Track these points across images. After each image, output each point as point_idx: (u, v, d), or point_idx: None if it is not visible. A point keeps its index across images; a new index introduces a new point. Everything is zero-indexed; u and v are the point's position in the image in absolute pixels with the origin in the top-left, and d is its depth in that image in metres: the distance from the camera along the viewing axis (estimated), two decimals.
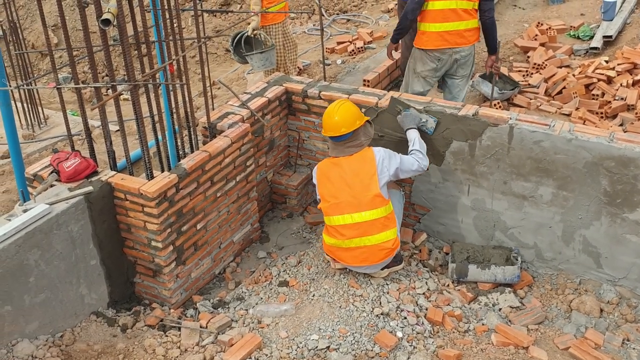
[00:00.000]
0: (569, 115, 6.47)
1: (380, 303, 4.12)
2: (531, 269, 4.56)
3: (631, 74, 6.85)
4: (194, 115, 4.53)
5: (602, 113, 6.47)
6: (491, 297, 4.33)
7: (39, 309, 3.77)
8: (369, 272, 4.30)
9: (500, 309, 4.23)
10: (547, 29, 8.14)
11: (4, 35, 6.84)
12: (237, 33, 6.91)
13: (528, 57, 7.65)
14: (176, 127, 4.55)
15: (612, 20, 8.12)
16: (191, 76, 9.03)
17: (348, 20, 10.26)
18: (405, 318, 4.02)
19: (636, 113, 6.31)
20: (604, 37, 7.79)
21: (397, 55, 6.82)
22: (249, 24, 6.91)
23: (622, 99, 6.48)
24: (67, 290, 3.92)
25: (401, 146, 4.64)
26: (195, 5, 4.40)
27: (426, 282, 4.39)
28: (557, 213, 4.33)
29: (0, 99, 4.66)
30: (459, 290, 4.40)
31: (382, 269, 4.29)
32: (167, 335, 3.96)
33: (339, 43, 8.85)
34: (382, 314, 4.02)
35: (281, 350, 3.78)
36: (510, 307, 4.23)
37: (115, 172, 4.12)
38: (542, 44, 7.78)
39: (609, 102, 6.53)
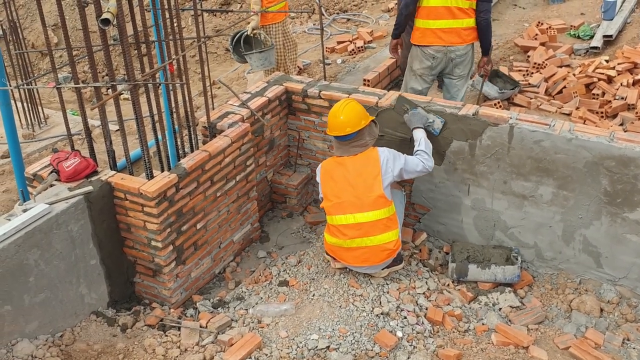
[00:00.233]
0: (569, 114, 6.47)
1: (380, 303, 4.12)
2: (531, 268, 4.56)
3: (631, 74, 6.84)
4: (193, 115, 4.53)
5: (602, 112, 6.46)
6: (491, 296, 4.33)
7: (39, 309, 3.77)
8: (370, 272, 4.30)
9: (500, 309, 4.23)
10: (547, 29, 8.13)
11: (4, 35, 6.84)
12: (236, 32, 6.90)
13: (528, 56, 7.64)
14: (176, 126, 4.55)
15: (612, 19, 8.12)
16: (191, 76, 9.03)
17: (348, 19, 10.26)
18: (405, 318, 4.02)
19: (636, 112, 6.30)
20: (604, 36, 7.78)
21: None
22: (249, 23, 6.90)
23: (622, 98, 6.48)
24: (67, 290, 3.92)
25: (402, 146, 4.64)
26: (195, 5, 4.39)
27: (426, 282, 4.39)
28: (557, 213, 4.33)
29: (0, 99, 4.66)
30: (459, 289, 4.40)
31: (382, 269, 4.29)
32: (167, 335, 3.96)
33: (339, 42, 8.85)
34: (382, 313, 4.02)
35: (281, 350, 3.78)
36: (511, 306, 4.23)
37: (115, 172, 4.12)
38: (543, 44, 7.77)
39: (609, 101, 6.53)
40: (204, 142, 4.53)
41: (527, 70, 7.31)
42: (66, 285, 3.90)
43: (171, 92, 4.39)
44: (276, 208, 5.33)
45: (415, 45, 5.62)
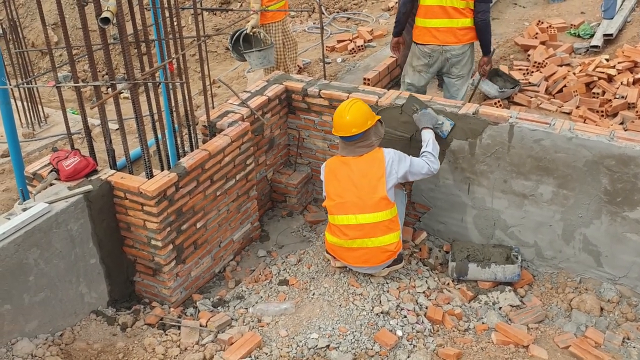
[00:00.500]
0: (569, 113, 6.46)
1: (380, 302, 4.12)
2: (531, 267, 4.56)
3: (632, 73, 6.84)
4: (193, 114, 4.53)
5: (602, 111, 6.46)
6: (491, 295, 4.33)
7: (39, 308, 3.77)
8: (370, 272, 4.30)
9: (500, 308, 4.23)
10: (547, 28, 8.13)
11: (4, 34, 6.84)
12: (236, 31, 6.90)
13: (528, 55, 7.64)
14: (176, 125, 4.55)
15: (612, 18, 8.11)
16: (191, 75, 9.03)
17: (348, 18, 10.26)
18: (405, 317, 4.01)
19: (637, 111, 6.30)
20: (605, 35, 7.78)
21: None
22: (248, 22, 6.90)
23: (622, 97, 6.47)
24: (67, 289, 3.92)
25: (401, 145, 4.64)
26: (194, 4, 4.39)
27: (426, 281, 4.39)
28: (557, 212, 4.32)
29: (0, 98, 4.66)
30: (459, 288, 4.40)
31: (382, 269, 4.28)
32: (166, 334, 3.96)
33: (339, 41, 8.85)
34: (382, 312, 4.02)
35: (281, 349, 3.78)
36: (511, 305, 4.23)
37: (114, 171, 4.12)
38: (543, 43, 7.77)
39: (610, 100, 6.53)
40: (204, 141, 4.53)
41: (527, 69, 7.30)
42: (66, 285, 3.90)
43: (171, 91, 4.39)
44: (276, 207, 5.33)
45: (414, 42, 5.65)
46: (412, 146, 4.62)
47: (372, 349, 3.79)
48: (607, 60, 7.09)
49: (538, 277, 4.49)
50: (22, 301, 3.67)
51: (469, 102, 5.91)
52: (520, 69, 7.34)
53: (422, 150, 4.31)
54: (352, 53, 8.48)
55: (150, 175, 4.09)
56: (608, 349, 3.85)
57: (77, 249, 3.91)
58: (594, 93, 6.67)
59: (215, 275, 4.65)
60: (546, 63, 7.23)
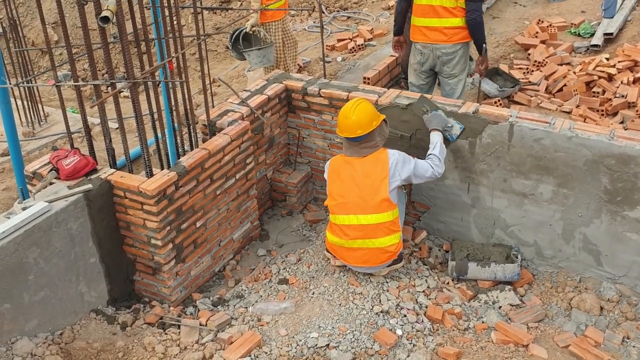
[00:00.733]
0: (569, 112, 6.46)
1: (380, 301, 4.12)
2: (531, 266, 4.56)
3: (632, 72, 6.83)
4: (193, 113, 4.53)
5: (602, 111, 6.46)
6: (491, 295, 4.33)
7: (38, 307, 3.77)
8: (370, 272, 4.30)
9: (500, 307, 4.23)
10: (547, 27, 8.13)
11: (4, 33, 6.83)
12: (236, 29, 6.90)
13: (529, 54, 7.63)
14: (176, 124, 4.55)
15: (612, 17, 8.11)
16: (191, 73, 9.03)
17: (348, 17, 10.25)
18: (405, 316, 4.01)
19: (637, 110, 6.29)
20: (605, 34, 7.78)
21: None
22: (248, 20, 6.90)
23: (622, 96, 6.47)
24: (67, 288, 3.92)
25: (401, 144, 4.64)
26: (194, 2, 4.38)
27: (426, 280, 4.39)
28: (557, 211, 4.32)
29: (0, 97, 4.65)
30: (459, 288, 4.40)
31: (382, 268, 4.29)
32: (166, 333, 3.96)
33: (339, 40, 8.84)
34: (381, 311, 4.02)
35: (281, 348, 3.78)
36: (510, 305, 4.23)
37: (114, 170, 4.12)
38: (543, 42, 7.76)
39: (610, 99, 6.52)
40: (204, 140, 4.52)
41: (527, 68, 7.30)
42: (66, 284, 3.90)
43: (171, 90, 4.39)
44: (276, 206, 5.33)
45: (412, 40, 5.72)
46: (413, 145, 4.62)
47: (371, 348, 3.79)
48: (607, 59, 7.08)
49: (538, 276, 4.49)
50: (22, 300, 3.67)
51: (478, 102, 5.92)
52: (520, 68, 7.34)
53: (429, 152, 4.29)
54: (352, 52, 8.48)
55: (150, 174, 4.09)
56: (608, 348, 3.85)
57: (76, 248, 3.91)
58: (594, 92, 6.66)
59: (215, 274, 4.65)
60: (546, 62, 7.23)
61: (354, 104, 4.17)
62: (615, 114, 6.42)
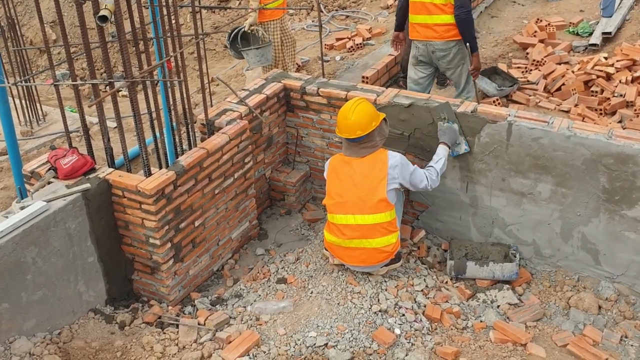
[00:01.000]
0: (568, 112, 6.47)
1: (379, 300, 4.12)
2: (529, 265, 4.56)
3: (630, 71, 6.84)
4: (192, 112, 4.52)
5: (601, 110, 6.46)
6: (489, 294, 4.33)
7: (37, 307, 3.77)
8: (368, 271, 4.30)
9: (498, 306, 4.23)
10: (546, 26, 8.13)
11: (2, 32, 6.82)
12: (234, 28, 6.90)
13: (527, 53, 7.64)
14: (174, 124, 4.54)
15: (611, 16, 8.11)
16: (189, 72, 9.03)
17: (347, 16, 10.25)
18: (404, 315, 4.02)
19: (635, 110, 6.30)
20: (603, 33, 7.78)
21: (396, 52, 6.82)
22: (247, 19, 6.89)
23: (621, 95, 6.47)
24: (65, 287, 3.91)
25: (399, 143, 4.65)
26: (193, 1, 4.38)
27: (424, 279, 4.39)
28: (555, 210, 4.32)
29: None
30: (457, 287, 4.40)
31: (380, 267, 4.28)
32: (165, 333, 3.96)
33: (337, 39, 8.84)
34: (380, 311, 4.02)
35: (279, 347, 3.78)
36: (509, 304, 4.23)
37: (112, 169, 4.11)
38: (541, 41, 7.76)
39: (608, 98, 6.53)
40: (202, 140, 4.52)
41: (525, 68, 7.30)
42: (64, 283, 3.90)
43: (169, 89, 4.38)
44: (274, 205, 5.33)
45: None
46: (411, 144, 4.62)
47: (370, 347, 3.79)
48: (605, 58, 7.09)
49: (536, 276, 4.49)
50: (20, 300, 3.67)
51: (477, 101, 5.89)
52: (518, 67, 7.34)
53: (431, 164, 4.29)
54: (351, 51, 8.47)
55: (148, 174, 4.09)
56: (606, 347, 3.86)
57: (75, 247, 3.91)
58: (592, 91, 6.67)
59: (213, 274, 4.65)
60: (545, 61, 7.23)
61: (354, 104, 4.16)
62: (613, 113, 6.42)
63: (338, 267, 4.37)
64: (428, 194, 4.75)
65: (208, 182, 4.35)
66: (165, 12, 4.27)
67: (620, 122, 6.27)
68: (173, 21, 4.25)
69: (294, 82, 5.08)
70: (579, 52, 7.75)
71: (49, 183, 4.02)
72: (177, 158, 4.28)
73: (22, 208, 3.72)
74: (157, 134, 4.39)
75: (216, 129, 4.53)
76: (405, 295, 4.18)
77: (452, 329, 4.03)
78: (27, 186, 4.25)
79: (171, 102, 4.42)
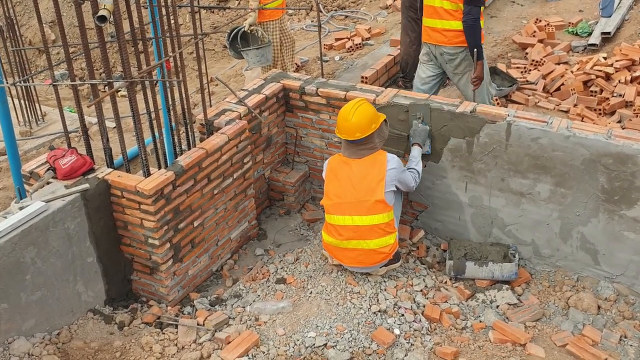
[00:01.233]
0: (567, 112, 6.47)
1: (378, 300, 4.12)
2: (529, 265, 4.56)
3: (629, 71, 6.84)
4: (191, 112, 4.52)
5: (600, 110, 6.46)
6: (489, 294, 4.33)
7: (36, 307, 3.77)
8: (367, 272, 4.29)
9: (497, 306, 4.23)
10: (545, 26, 8.13)
11: (1, 32, 6.81)
12: (233, 28, 6.90)
13: (526, 53, 7.63)
14: (173, 124, 4.54)
15: (610, 16, 8.11)
16: (188, 73, 9.02)
17: (346, 16, 10.25)
18: (403, 315, 4.01)
19: (634, 110, 6.30)
20: (603, 33, 7.78)
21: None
22: (246, 19, 6.89)
23: (620, 95, 6.47)
24: (64, 287, 3.91)
25: (398, 143, 4.65)
26: (192, 2, 4.38)
27: (424, 279, 4.39)
28: (554, 210, 4.32)
29: None
30: (457, 287, 4.40)
31: (379, 267, 4.28)
32: (164, 333, 3.96)
33: (337, 39, 8.84)
34: (379, 311, 4.02)
35: (278, 348, 3.78)
36: (508, 304, 4.23)
37: (111, 170, 4.11)
38: (541, 41, 7.76)
39: (607, 98, 6.53)
40: (201, 140, 4.52)
41: (525, 68, 7.30)
42: (63, 283, 3.90)
43: (168, 90, 4.38)
44: (274, 205, 5.32)
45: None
46: (410, 144, 4.62)
47: (369, 348, 3.79)
48: (604, 58, 7.09)
49: (535, 276, 4.49)
50: (19, 300, 3.67)
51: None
52: (518, 67, 7.34)
53: (411, 166, 4.36)
54: (350, 51, 8.47)
55: (147, 174, 4.09)
56: (605, 347, 3.86)
57: (74, 247, 3.91)
58: (591, 91, 6.67)
59: (212, 274, 4.65)
60: (544, 61, 7.23)
61: (354, 106, 4.15)
62: (612, 113, 6.42)
63: (337, 268, 4.37)
64: (427, 194, 4.75)
65: (207, 183, 4.35)
66: (164, 12, 4.27)
67: (619, 122, 6.27)
68: (172, 21, 4.25)
69: (293, 82, 5.08)
70: (578, 52, 7.75)
71: (48, 183, 4.02)
72: (176, 158, 4.28)
73: (21, 208, 3.72)
74: (156, 134, 4.38)
75: (215, 129, 4.53)
76: (405, 296, 4.17)
77: (451, 329, 4.02)
78: (26, 186, 4.25)
79: (170, 102, 4.41)
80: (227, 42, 6.92)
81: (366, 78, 6.81)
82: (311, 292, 4.20)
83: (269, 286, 4.36)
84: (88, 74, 4.08)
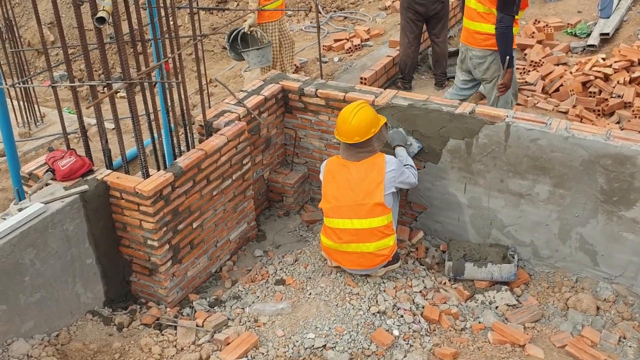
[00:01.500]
0: (566, 113, 6.47)
1: (377, 301, 4.12)
2: (528, 266, 4.56)
3: (628, 72, 6.84)
4: (190, 114, 4.52)
5: (599, 111, 6.47)
6: (488, 295, 4.33)
7: (35, 308, 3.76)
8: (366, 273, 4.29)
9: (496, 307, 4.23)
10: (544, 27, 8.14)
11: (0, 33, 6.81)
12: (233, 30, 6.90)
13: (525, 54, 7.64)
14: (172, 125, 4.54)
15: (609, 17, 8.12)
16: (187, 74, 9.02)
17: (345, 17, 10.25)
18: (402, 316, 4.01)
19: (633, 110, 6.31)
20: (601, 34, 7.79)
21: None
22: (245, 21, 6.90)
23: (619, 96, 6.48)
24: (63, 289, 3.91)
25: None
26: (191, 3, 4.38)
27: (423, 280, 4.39)
28: (553, 211, 4.33)
29: None
30: (456, 288, 4.40)
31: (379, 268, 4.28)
32: (163, 334, 3.96)
33: (336, 40, 8.84)
34: (378, 312, 4.02)
35: (277, 349, 3.78)
36: (507, 305, 4.23)
37: (110, 171, 4.11)
38: (539, 42, 7.78)
39: (606, 99, 6.53)
40: (200, 141, 4.52)
41: (524, 69, 7.31)
42: (62, 285, 3.90)
43: (167, 91, 4.38)
44: (273, 207, 5.32)
45: None
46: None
47: (368, 349, 3.78)
48: (603, 59, 7.09)
49: (534, 277, 4.49)
50: (18, 301, 3.66)
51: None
52: (517, 68, 7.34)
53: (405, 163, 4.36)
54: (349, 52, 8.48)
55: (146, 175, 4.08)
56: (604, 348, 3.86)
57: (73, 249, 3.90)
58: (590, 92, 6.67)
59: (211, 275, 4.64)
60: (543, 62, 7.24)
61: (355, 109, 4.15)
62: (611, 114, 6.43)
63: (336, 269, 4.37)
64: (426, 195, 4.75)
65: (206, 184, 4.35)
66: (163, 14, 4.27)
67: (618, 123, 6.28)
68: (171, 22, 4.25)
69: (292, 83, 5.08)
70: (576, 53, 7.76)
71: (46, 185, 4.02)
72: (175, 159, 4.28)
73: (20, 210, 3.72)
74: (155, 136, 4.38)
75: (214, 130, 4.53)
76: (404, 297, 4.17)
77: (450, 330, 4.03)
78: (25, 188, 4.25)
79: (169, 104, 4.41)
80: (227, 44, 6.92)
81: (365, 79, 6.81)
82: (310, 293, 4.20)
83: (268, 287, 4.36)
84: (87, 75, 4.08)
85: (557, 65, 7.26)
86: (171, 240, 4.16)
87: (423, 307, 4.14)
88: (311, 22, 10.17)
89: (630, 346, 3.87)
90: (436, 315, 4.06)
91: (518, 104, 6.64)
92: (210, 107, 5.76)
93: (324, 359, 3.72)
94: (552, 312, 4.18)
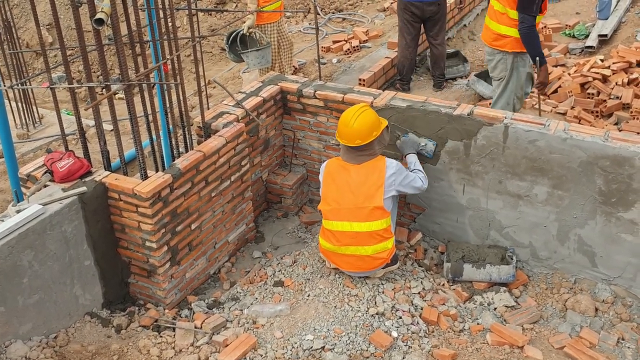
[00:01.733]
0: (564, 114, 6.48)
1: (376, 303, 4.11)
2: (526, 268, 4.56)
3: (626, 73, 6.86)
4: (188, 115, 4.52)
5: (597, 112, 6.48)
6: (486, 296, 4.33)
7: (33, 310, 3.76)
8: (364, 275, 4.29)
9: (495, 309, 4.23)
10: (542, 28, 8.15)
11: None
12: (232, 31, 6.90)
13: None
14: (170, 126, 4.54)
15: (607, 19, 8.14)
16: (186, 75, 9.01)
17: (344, 19, 10.26)
18: (401, 318, 4.01)
19: (631, 112, 6.31)
20: (599, 35, 7.80)
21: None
22: (244, 22, 6.90)
23: (617, 97, 6.49)
24: (61, 291, 3.90)
25: (396, 146, 4.64)
26: (189, 4, 4.38)
27: (421, 282, 4.39)
28: (552, 212, 4.33)
29: None
30: (454, 289, 4.40)
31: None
32: (161, 336, 3.95)
33: (334, 42, 8.85)
34: (377, 313, 4.02)
35: (276, 351, 3.78)
36: (506, 306, 4.23)
37: (109, 172, 4.11)
38: None
39: (605, 101, 6.54)
40: (199, 142, 4.52)
41: None
42: (60, 286, 3.89)
43: (166, 92, 4.38)
44: (271, 208, 5.32)
45: None
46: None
47: (367, 350, 3.78)
48: (601, 60, 7.11)
49: (533, 278, 4.49)
50: (16, 303, 3.66)
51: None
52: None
53: (411, 168, 4.35)
54: (348, 54, 8.48)
55: (144, 177, 4.08)
56: (603, 349, 3.86)
57: (71, 250, 3.90)
58: (588, 93, 6.68)
59: (210, 277, 4.64)
60: None
61: (357, 112, 4.14)
62: (609, 116, 6.44)
63: (335, 270, 4.37)
64: (425, 196, 4.75)
65: (204, 185, 4.35)
66: (161, 15, 4.27)
67: (616, 124, 6.29)
68: (169, 24, 4.25)
69: (291, 84, 5.08)
70: (575, 54, 7.77)
71: (45, 186, 4.02)
72: (174, 161, 4.27)
73: (18, 211, 3.72)
74: (154, 137, 4.38)
75: (213, 131, 4.53)
76: (402, 298, 4.17)
77: (449, 332, 4.02)
78: (23, 189, 4.25)
79: (168, 105, 4.41)
80: (226, 45, 6.92)
81: (364, 80, 6.82)
82: (309, 295, 4.20)
83: (266, 289, 4.36)
84: (85, 76, 4.08)
85: (556, 66, 7.28)
86: (170, 241, 4.15)
87: (422, 309, 4.14)
88: (310, 24, 10.17)
89: (628, 347, 3.87)
90: (435, 316, 4.06)
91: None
92: (208, 108, 5.76)
93: None
94: (551, 313, 4.18)
